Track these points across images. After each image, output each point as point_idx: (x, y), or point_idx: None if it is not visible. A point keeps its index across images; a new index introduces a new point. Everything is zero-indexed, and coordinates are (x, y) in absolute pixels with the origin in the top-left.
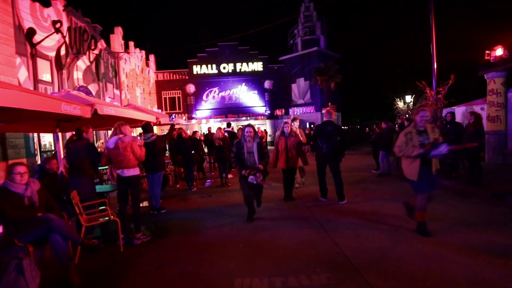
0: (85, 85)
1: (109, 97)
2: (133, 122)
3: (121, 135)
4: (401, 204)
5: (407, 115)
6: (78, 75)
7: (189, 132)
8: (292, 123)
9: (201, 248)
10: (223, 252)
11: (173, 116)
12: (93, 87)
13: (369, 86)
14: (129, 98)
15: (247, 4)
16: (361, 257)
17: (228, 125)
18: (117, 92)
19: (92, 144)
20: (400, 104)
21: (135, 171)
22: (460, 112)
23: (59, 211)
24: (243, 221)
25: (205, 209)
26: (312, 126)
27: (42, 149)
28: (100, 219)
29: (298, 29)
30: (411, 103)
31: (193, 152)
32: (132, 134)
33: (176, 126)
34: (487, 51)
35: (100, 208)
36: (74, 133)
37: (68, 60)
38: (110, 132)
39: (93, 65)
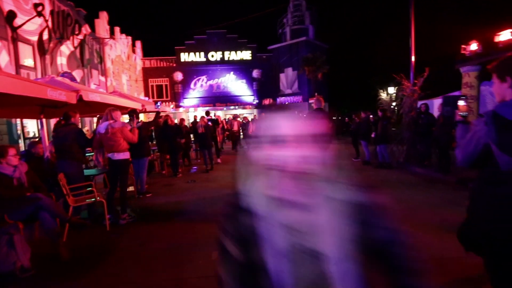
0: (69, 71)
1: (94, 84)
2: (119, 109)
3: (111, 121)
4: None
5: (389, 106)
6: (62, 60)
7: (176, 121)
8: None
9: (183, 228)
10: (204, 231)
11: (158, 104)
12: (77, 73)
13: (356, 77)
14: (115, 85)
15: None
16: None
17: (207, 113)
18: (102, 78)
19: (80, 129)
20: (384, 95)
21: (125, 155)
22: (437, 103)
23: (46, 191)
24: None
25: (188, 193)
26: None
27: (25, 136)
28: (87, 200)
29: (287, 18)
30: (394, 94)
31: (178, 139)
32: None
33: (162, 114)
34: (463, 46)
35: (87, 189)
36: (61, 117)
37: (51, 45)
38: (95, 119)
39: (78, 50)
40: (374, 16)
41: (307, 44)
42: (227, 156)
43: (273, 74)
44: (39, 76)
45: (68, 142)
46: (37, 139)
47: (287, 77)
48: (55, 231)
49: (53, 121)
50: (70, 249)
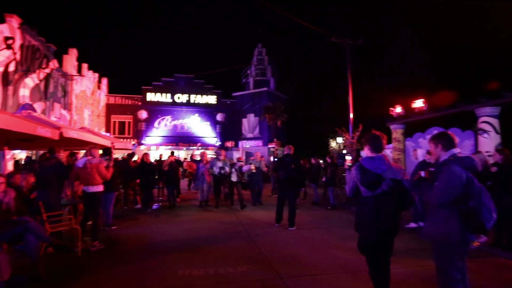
0: (30, 103)
1: (55, 117)
2: (86, 144)
3: (90, 157)
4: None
5: (338, 154)
6: (24, 92)
7: (136, 158)
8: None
9: (150, 253)
10: (170, 255)
11: (135, 145)
12: (39, 106)
13: (310, 126)
14: (75, 119)
15: (206, 39)
16: (274, 256)
17: (172, 153)
18: (64, 112)
19: (62, 162)
20: (333, 144)
21: (99, 188)
22: None
23: (30, 216)
24: (188, 234)
25: (153, 226)
26: (275, 159)
27: None
28: (62, 227)
29: (251, 70)
30: (342, 144)
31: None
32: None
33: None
34: (390, 108)
35: (61, 217)
36: (46, 151)
37: (16, 76)
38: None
39: (42, 83)
40: (324, 74)
41: (268, 94)
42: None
43: (236, 118)
44: None
45: (51, 173)
46: None
47: (249, 122)
48: (38, 252)
49: (15, 152)
50: (47, 270)
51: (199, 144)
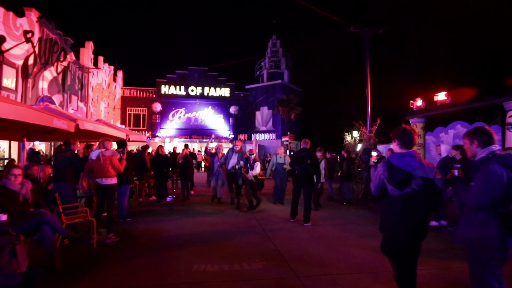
0: (49, 95)
1: (72, 109)
2: (102, 137)
3: (103, 149)
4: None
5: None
6: (43, 85)
7: (150, 150)
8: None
9: (164, 247)
10: (184, 249)
11: (149, 137)
12: (57, 98)
13: (325, 119)
14: (92, 111)
15: (220, 31)
16: (290, 253)
17: (186, 146)
18: (81, 104)
19: (77, 154)
20: (348, 138)
21: (112, 181)
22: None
23: (47, 207)
24: (202, 227)
25: (167, 219)
26: (291, 153)
27: None
28: (77, 219)
29: (265, 62)
30: (358, 138)
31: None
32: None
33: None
34: (411, 101)
35: (77, 209)
36: (62, 143)
37: (35, 69)
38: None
39: (60, 76)
40: (340, 66)
41: (282, 86)
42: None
43: (250, 111)
44: (19, 98)
45: (66, 165)
46: (7, 161)
47: (262, 115)
48: (53, 244)
49: (29, 144)
50: (63, 262)
51: (213, 136)
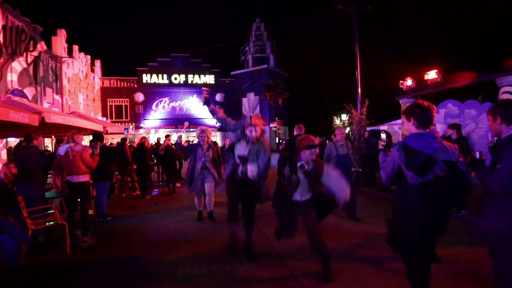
0: (19, 88)
1: (47, 103)
2: (80, 131)
3: (72, 144)
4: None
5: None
6: (12, 77)
7: (135, 141)
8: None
9: (146, 248)
10: (168, 250)
11: (127, 129)
12: (29, 91)
13: (313, 103)
14: (70, 104)
15: (200, 16)
16: (284, 247)
17: (166, 136)
18: (57, 97)
19: (41, 151)
20: (337, 121)
21: (85, 178)
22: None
23: (5, 214)
24: (188, 224)
25: (150, 215)
26: (281, 141)
27: None
28: (47, 223)
29: (250, 47)
30: (346, 121)
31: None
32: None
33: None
34: (400, 81)
35: (48, 212)
36: (22, 139)
37: (1, 60)
38: (51, 140)
39: (31, 67)
40: (328, 49)
41: (268, 71)
42: None
43: (236, 98)
44: None
45: (29, 164)
46: None
47: (249, 102)
48: (16, 255)
49: None
50: (31, 272)
51: (186, 123)
